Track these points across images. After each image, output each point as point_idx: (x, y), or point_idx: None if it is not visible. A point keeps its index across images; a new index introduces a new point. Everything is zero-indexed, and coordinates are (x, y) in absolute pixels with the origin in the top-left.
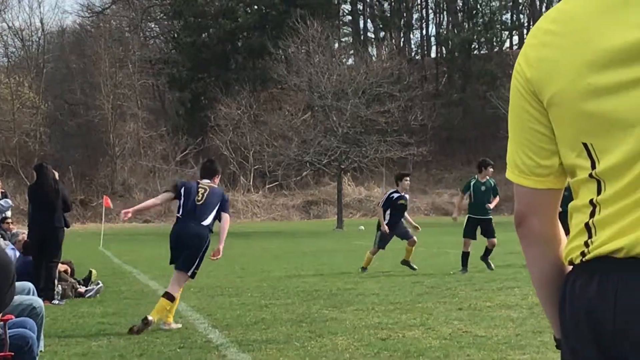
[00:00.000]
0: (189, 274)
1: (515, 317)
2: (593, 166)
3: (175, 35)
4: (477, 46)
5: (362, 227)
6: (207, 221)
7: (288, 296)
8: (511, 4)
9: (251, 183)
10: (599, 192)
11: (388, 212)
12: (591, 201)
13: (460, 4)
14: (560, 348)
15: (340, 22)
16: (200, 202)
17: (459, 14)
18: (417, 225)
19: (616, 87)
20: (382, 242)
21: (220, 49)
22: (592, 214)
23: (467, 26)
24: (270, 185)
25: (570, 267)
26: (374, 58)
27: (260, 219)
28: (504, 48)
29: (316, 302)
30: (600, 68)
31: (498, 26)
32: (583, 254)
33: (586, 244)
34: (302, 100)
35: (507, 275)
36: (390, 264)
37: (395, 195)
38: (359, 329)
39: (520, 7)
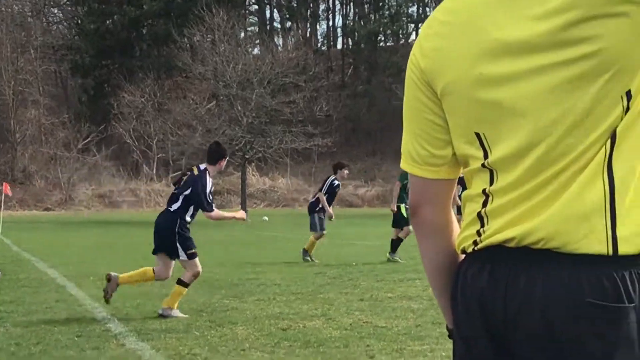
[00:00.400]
0: (183, 258)
1: (415, 308)
2: (485, 156)
3: (79, 21)
4: (383, 38)
5: (266, 218)
6: (175, 206)
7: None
8: None
9: (154, 172)
10: (491, 182)
11: (325, 197)
12: (484, 191)
13: None
14: (453, 338)
15: (247, 12)
16: (176, 191)
17: (366, 6)
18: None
19: (507, 77)
20: (322, 225)
21: (124, 36)
22: (484, 204)
23: (373, 18)
24: (174, 174)
25: (463, 256)
26: (279, 48)
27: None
28: (409, 40)
29: (217, 291)
30: (492, 58)
31: (404, 19)
32: (475, 242)
33: (478, 233)
34: (207, 89)
35: (409, 267)
36: (293, 255)
37: (336, 182)
38: (259, 319)
39: (426, 0)
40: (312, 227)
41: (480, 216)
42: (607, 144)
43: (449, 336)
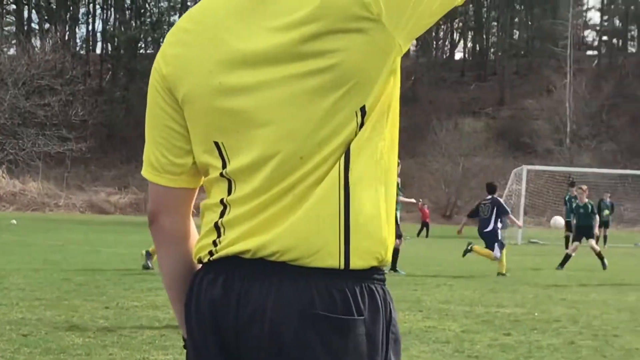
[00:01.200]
0: None
1: (161, 318)
2: (224, 165)
3: None
4: (143, 45)
5: (14, 221)
6: None
7: None
8: (180, 5)
9: None
10: (229, 192)
11: None
12: (222, 201)
13: (129, 2)
14: (186, 348)
15: (4, 11)
16: None
17: (127, 12)
18: None
19: (246, 88)
20: None
21: None
22: (222, 214)
23: (134, 24)
24: None
25: (200, 266)
26: (37, 50)
27: None
28: None
29: None
30: (232, 68)
31: (165, 27)
32: (211, 253)
33: (214, 243)
34: None
35: (158, 276)
36: (40, 259)
37: None
38: (0, 324)
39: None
40: None
41: (217, 226)
42: (342, 159)
43: (185, 346)
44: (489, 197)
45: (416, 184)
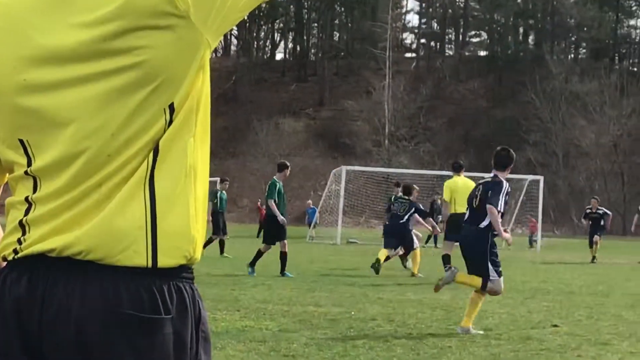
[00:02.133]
0: (491, 278)
1: None
2: (29, 163)
3: None
4: None
5: None
6: (484, 223)
7: None
8: None
9: None
10: (34, 190)
11: None
12: (27, 198)
13: None
14: None
15: None
16: (476, 206)
17: None
18: None
19: (51, 85)
20: None
21: None
22: (27, 212)
23: None
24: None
25: (5, 264)
26: None
27: None
28: None
29: None
30: (37, 65)
31: None
32: (16, 251)
33: (19, 242)
34: None
35: None
36: None
37: None
38: None
39: None
40: None
41: (22, 224)
42: (150, 157)
43: None
44: (407, 197)
45: (237, 183)
